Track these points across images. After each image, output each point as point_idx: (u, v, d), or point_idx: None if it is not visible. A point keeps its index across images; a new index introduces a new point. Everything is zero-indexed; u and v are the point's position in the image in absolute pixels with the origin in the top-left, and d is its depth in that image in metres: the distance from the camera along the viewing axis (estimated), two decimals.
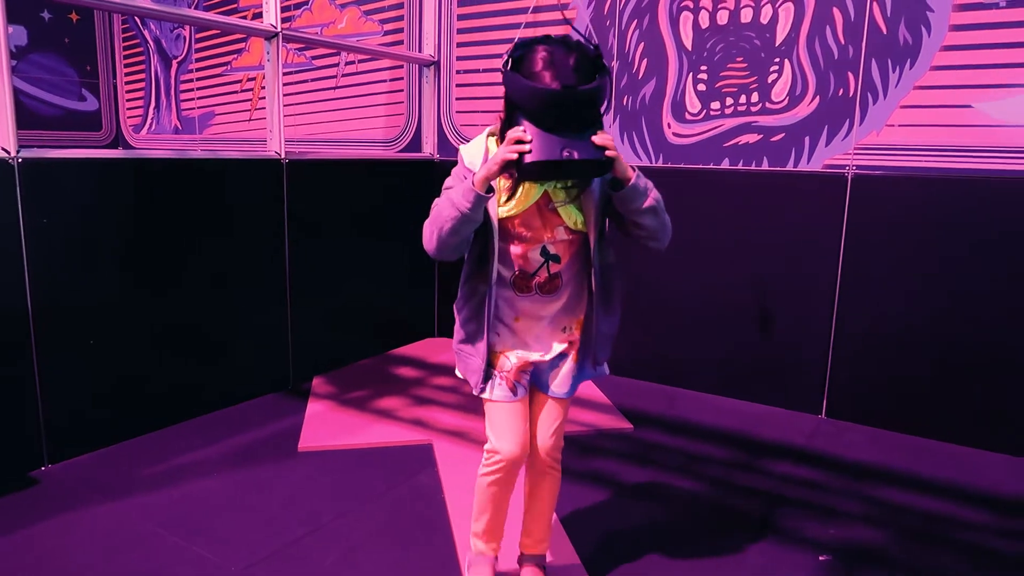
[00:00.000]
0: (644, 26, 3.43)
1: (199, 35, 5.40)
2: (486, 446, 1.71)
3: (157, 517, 2.24)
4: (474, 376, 1.68)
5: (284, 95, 3.28)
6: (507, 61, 1.43)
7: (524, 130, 1.38)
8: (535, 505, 1.84)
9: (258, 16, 4.28)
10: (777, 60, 3.14)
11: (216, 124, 5.41)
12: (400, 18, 4.27)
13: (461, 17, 4.02)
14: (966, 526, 2.29)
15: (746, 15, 3.18)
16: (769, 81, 3.17)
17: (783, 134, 3.16)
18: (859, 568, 2.05)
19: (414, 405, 3.23)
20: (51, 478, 2.47)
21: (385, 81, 4.41)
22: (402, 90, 4.34)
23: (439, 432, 2.92)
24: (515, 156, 1.38)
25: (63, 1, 4.98)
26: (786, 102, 3.14)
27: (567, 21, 3.49)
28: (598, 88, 1.38)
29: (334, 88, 4.63)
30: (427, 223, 1.54)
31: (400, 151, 4.34)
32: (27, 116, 5.41)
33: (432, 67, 4.11)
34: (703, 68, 3.31)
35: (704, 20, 3.28)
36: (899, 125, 2.92)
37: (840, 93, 3.02)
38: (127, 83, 5.97)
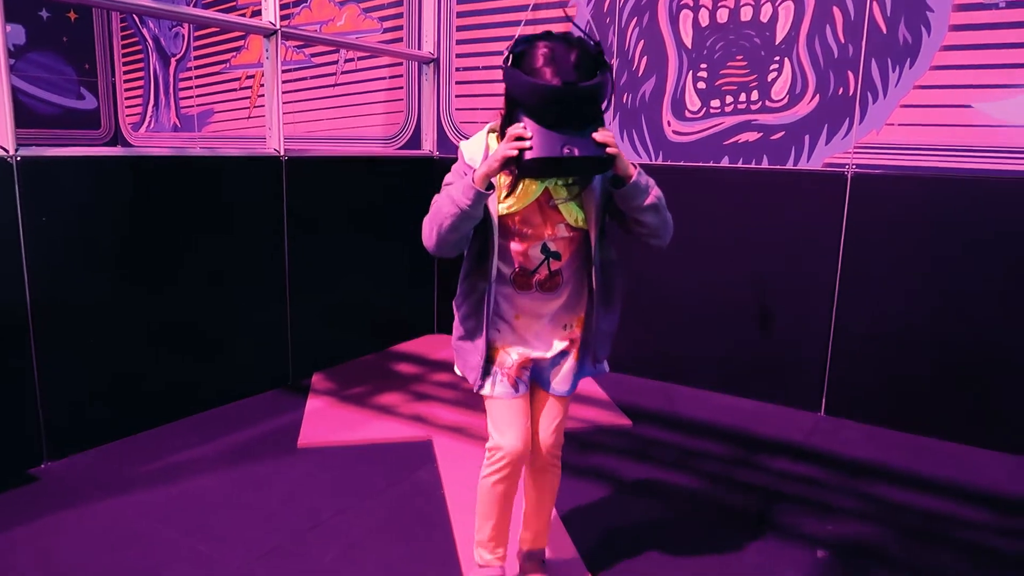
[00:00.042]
0: (644, 24, 3.44)
1: (198, 33, 5.39)
2: (488, 444, 1.69)
3: (155, 514, 2.24)
4: (473, 373, 1.67)
5: (283, 93, 3.28)
6: (508, 57, 1.42)
7: (524, 126, 1.37)
8: (535, 501, 1.84)
9: (257, 14, 4.28)
10: (777, 58, 3.14)
11: (215, 122, 5.41)
12: (399, 15, 4.27)
13: (460, 14, 4.01)
14: (963, 524, 2.30)
15: (746, 13, 3.18)
16: (769, 79, 3.17)
17: (783, 132, 3.17)
18: (856, 564, 2.06)
19: (414, 401, 3.23)
20: (50, 475, 2.47)
21: (384, 79, 4.41)
22: (402, 87, 4.34)
23: (439, 428, 2.92)
24: (515, 153, 1.37)
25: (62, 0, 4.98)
26: (786, 100, 3.15)
27: (568, 18, 3.49)
28: (599, 85, 1.38)
29: (333, 86, 4.63)
30: (427, 219, 1.53)
31: (399, 148, 4.34)
32: (25, 115, 5.40)
33: (431, 64, 4.11)
34: (703, 66, 3.31)
35: (704, 18, 3.28)
36: (899, 124, 2.93)
37: (840, 92, 3.02)
38: (126, 81, 5.97)
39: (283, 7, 3.34)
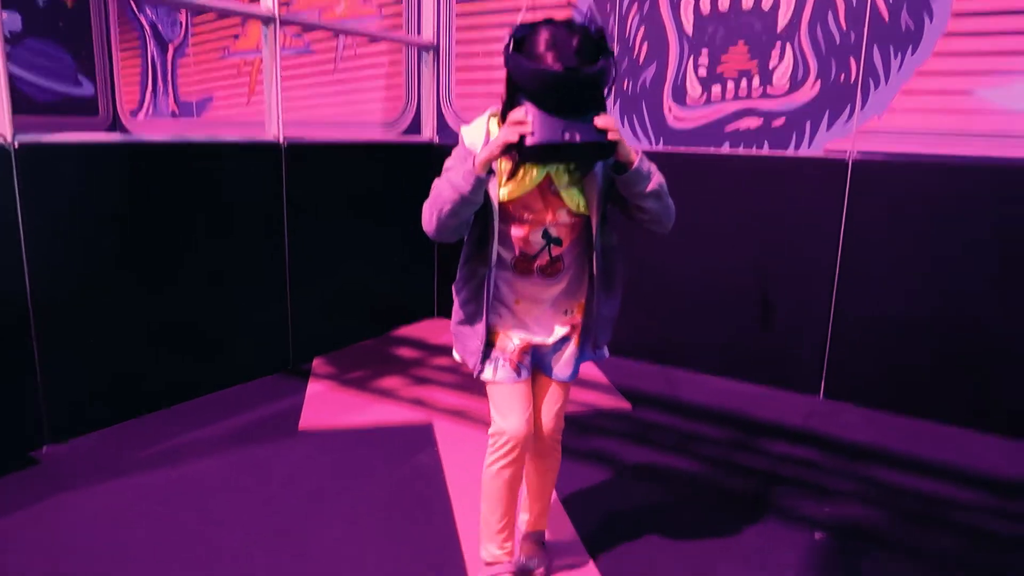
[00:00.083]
0: (645, 10, 3.42)
1: (196, 19, 5.37)
2: (490, 430, 1.68)
3: (155, 496, 2.26)
4: (472, 357, 1.67)
5: (282, 80, 3.27)
6: (509, 42, 1.41)
7: (526, 112, 1.37)
8: (536, 484, 1.86)
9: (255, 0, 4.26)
10: (779, 45, 3.13)
11: (214, 108, 5.39)
12: (399, 2, 4.25)
13: (460, 0, 4.00)
14: (961, 507, 2.32)
15: (747, 0, 3.18)
16: (770, 66, 3.16)
17: (784, 118, 3.16)
18: (854, 546, 2.08)
19: (414, 385, 3.24)
20: (52, 458, 2.49)
21: (384, 65, 4.40)
22: (401, 74, 4.32)
23: (439, 412, 2.94)
24: (516, 138, 1.37)
25: None
26: (787, 87, 3.14)
27: (570, 4, 3.47)
28: (601, 70, 1.37)
29: (332, 72, 4.62)
30: (427, 204, 1.53)
31: (400, 134, 4.33)
32: (23, 102, 5.38)
33: (431, 51, 4.09)
34: (704, 52, 3.30)
35: (705, 5, 3.27)
36: (900, 110, 2.93)
37: (842, 78, 3.02)
38: (124, 68, 5.94)
39: None
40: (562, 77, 1.34)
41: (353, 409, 2.98)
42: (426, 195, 1.54)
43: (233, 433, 2.73)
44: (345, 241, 3.69)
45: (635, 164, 1.47)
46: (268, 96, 3.23)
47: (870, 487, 2.43)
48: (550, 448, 1.80)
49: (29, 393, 2.49)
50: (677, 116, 3.42)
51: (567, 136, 1.36)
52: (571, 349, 1.72)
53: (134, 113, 5.96)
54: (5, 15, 5.31)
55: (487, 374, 1.66)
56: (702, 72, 3.32)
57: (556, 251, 1.62)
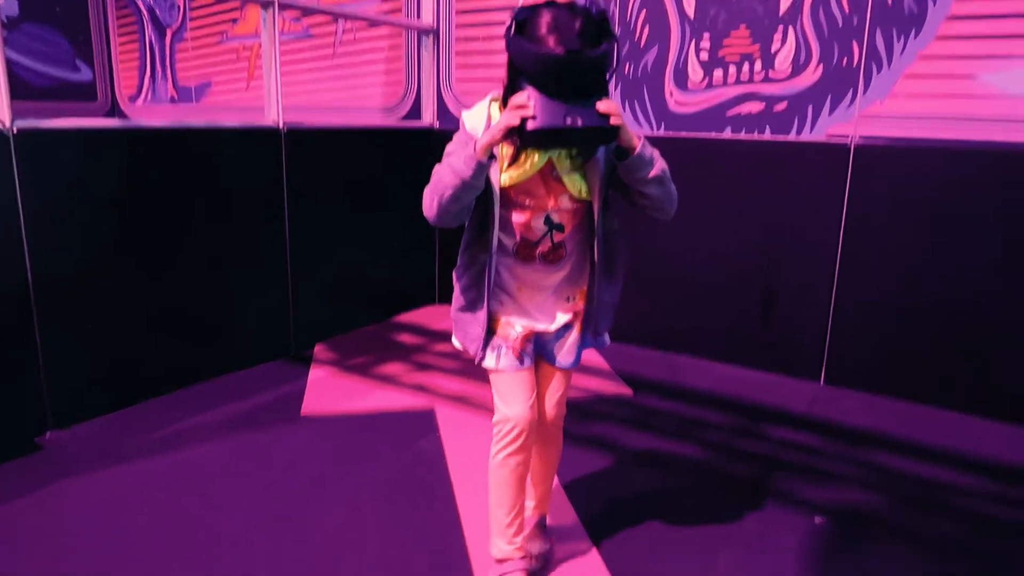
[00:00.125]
0: None
1: (193, 3, 5.33)
2: (495, 419, 1.67)
3: (157, 482, 2.27)
4: (474, 344, 1.66)
5: (281, 64, 3.25)
6: (510, 25, 1.40)
7: (527, 96, 1.35)
8: (538, 469, 1.86)
9: None
10: (781, 28, 3.11)
11: (213, 94, 5.36)
12: None
13: None
14: (961, 492, 2.32)
15: None
16: (772, 50, 3.14)
17: (786, 103, 3.14)
18: (855, 531, 2.09)
19: (416, 371, 3.25)
20: (55, 444, 2.49)
21: (384, 50, 4.37)
22: (401, 58, 4.29)
23: (441, 397, 2.94)
24: (518, 122, 1.35)
25: None
26: (789, 71, 3.12)
27: None
28: (604, 54, 1.35)
29: (332, 57, 4.59)
30: (427, 189, 1.52)
31: (400, 119, 4.31)
32: (20, 87, 5.35)
33: (431, 35, 4.06)
34: (706, 36, 3.28)
35: None
36: (903, 95, 2.91)
37: (844, 62, 3.00)
38: (122, 53, 5.91)
39: None
40: (564, 60, 1.32)
41: (355, 395, 2.98)
42: (427, 181, 1.52)
43: (235, 419, 2.73)
44: (346, 227, 3.68)
45: (637, 150, 1.45)
46: (267, 81, 3.21)
47: (871, 472, 2.44)
48: (552, 435, 1.81)
49: (32, 379, 2.49)
50: (678, 101, 3.40)
51: (569, 121, 1.34)
52: (574, 336, 1.71)
53: (133, 99, 5.93)
54: (2, 0, 5.27)
55: (490, 362, 1.65)
56: (704, 56, 3.30)
57: (558, 237, 1.60)
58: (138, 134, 2.80)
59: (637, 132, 1.47)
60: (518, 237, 1.61)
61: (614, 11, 3.47)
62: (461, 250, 1.65)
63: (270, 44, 3.17)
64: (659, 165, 1.50)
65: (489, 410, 1.71)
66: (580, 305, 1.70)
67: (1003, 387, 2.84)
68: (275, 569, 1.87)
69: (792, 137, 3.15)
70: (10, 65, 2.50)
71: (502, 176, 1.52)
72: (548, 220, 1.58)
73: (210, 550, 1.93)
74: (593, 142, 1.47)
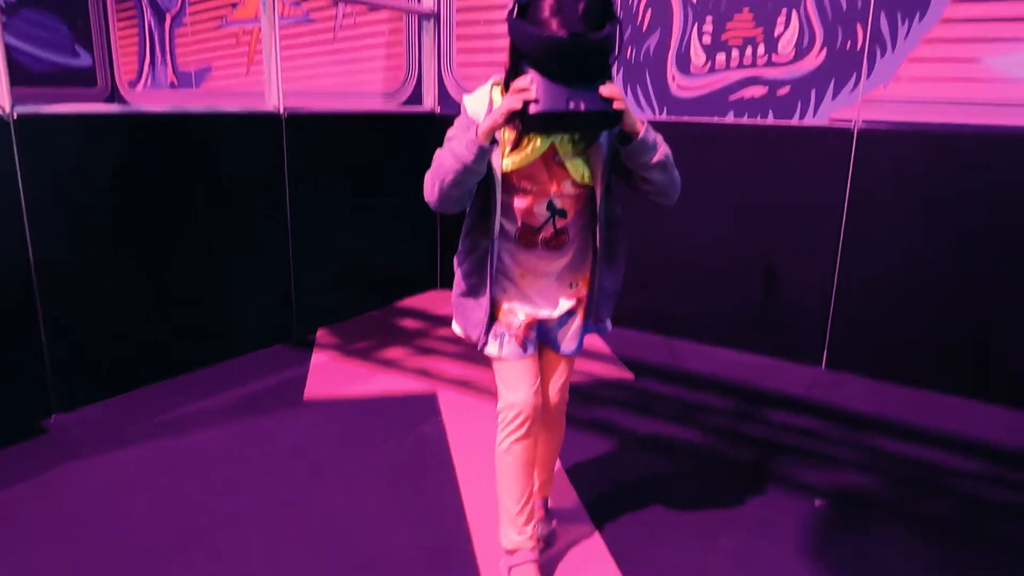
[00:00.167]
0: None
1: None
2: (499, 406, 1.66)
3: (160, 466, 2.28)
4: (476, 329, 1.65)
5: (281, 49, 3.23)
6: (513, 8, 1.38)
7: (530, 80, 1.33)
8: (541, 453, 1.86)
9: None
10: (784, 12, 3.08)
11: (213, 79, 5.34)
12: None
13: None
14: (962, 475, 2.33)
15: None
16: (776, 33, 3.12)
17: (789, 87, 3.13)
18: (855, 514, 2.10)
19: (418, 356, 3.25)
20: (59, 427, 2.51)
21: (384, 34, 4.34)
22: (402, 43, 4.27)
23: (443, 382, 2.95)
24: (520, 106, 1.34)
25: None
26: (793, 55, 3.10)
27: None
28: (607, 37, 1.33)
29: (332, 42, 4.56)
30: (428, 174, 1.50)
31: (401, 104, 4.30)
32: (19, 72, 5.33)
33: (432, 19, 4.04)
34: (708, 20, 3.26)
35: None
36: (907, 79, 2.89)
37: (848, 46, 2.98)
38: (121, 38, 5.88)
39: None
40: (567, 43, 1.30)
41: (357, 379, 2.99)
42: (428, 166, 1.51)
43: (237, 403, 2.74)
44: (347, 212, 3.68)
45: (641, 134, 1.44)
46: (267, 66, 3.20)
47: (872, 456, 2.44)
48: (556, 420, 1.81)
49: (38, 363, 2.50)
50: (681, 85, 3.38)
51: (572, 105, 1.33)
52: (577, 323, 1.70)
53: (132, 84, 5.91)
54: None
55: (493, 350, 1.64)
56: (706, 40, 3.28)
57: (561, 223, 1.59)
58: (138, 119, 2.80)
59: (640, 117, 1.45)
60: (520, 223, 1.59)
61: None
62: (462, 236, 1.64)
63: (270, 28, 3.16)
64: (662, 150, 1.49)
65: (491, 394, 1.72)
66: (583, 291, 1.69)
67: (1004, 372, 2.84)
68: (277, 553, 1.88)
69: (795, 121, 3.13)
70: (9, 51, 2.49)
71: (504, 161, 1.50)
72: (550, 206, 1.57)
73: (212, 534, 1.95)
74: (596, 127, 1.45)
